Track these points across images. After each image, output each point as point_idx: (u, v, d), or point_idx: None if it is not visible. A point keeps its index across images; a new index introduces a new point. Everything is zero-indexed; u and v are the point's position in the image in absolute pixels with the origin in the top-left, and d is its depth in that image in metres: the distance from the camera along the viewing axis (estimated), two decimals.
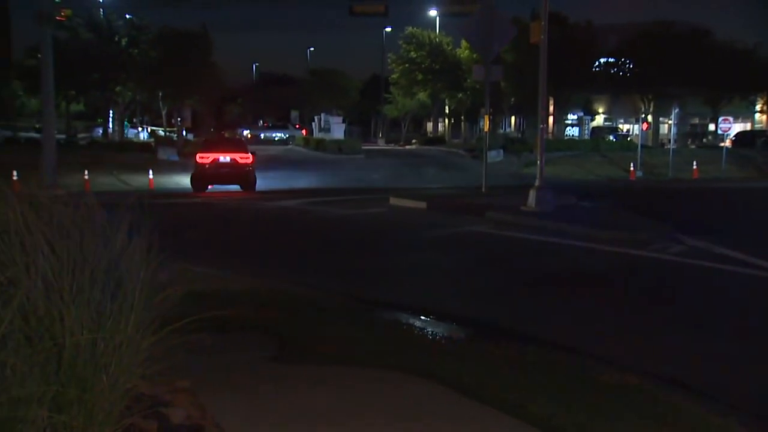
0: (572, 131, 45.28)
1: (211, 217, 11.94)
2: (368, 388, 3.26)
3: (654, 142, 40.95)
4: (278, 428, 2.76)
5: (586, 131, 44.41)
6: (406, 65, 45.27)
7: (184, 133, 47.70)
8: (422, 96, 47.61)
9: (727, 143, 31.13)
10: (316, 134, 45.81)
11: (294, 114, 56.22)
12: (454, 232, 9.62)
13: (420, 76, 44.82)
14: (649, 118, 39.63)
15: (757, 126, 44.81)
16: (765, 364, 4.26)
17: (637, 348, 4.47)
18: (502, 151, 32.07)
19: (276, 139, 46.86)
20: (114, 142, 38.36)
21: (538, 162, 11.83)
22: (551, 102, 38.74)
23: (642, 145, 27.95)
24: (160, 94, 41.47)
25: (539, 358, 3.94)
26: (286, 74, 67.42)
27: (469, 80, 38.86)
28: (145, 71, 38.61)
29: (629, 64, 40.05)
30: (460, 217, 10.88)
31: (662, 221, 10.32)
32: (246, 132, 50.83)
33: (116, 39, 39.40)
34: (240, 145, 19.37)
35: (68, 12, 18.63)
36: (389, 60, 47.37)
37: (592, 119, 46.50)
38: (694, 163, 25.41)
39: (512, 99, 40.71)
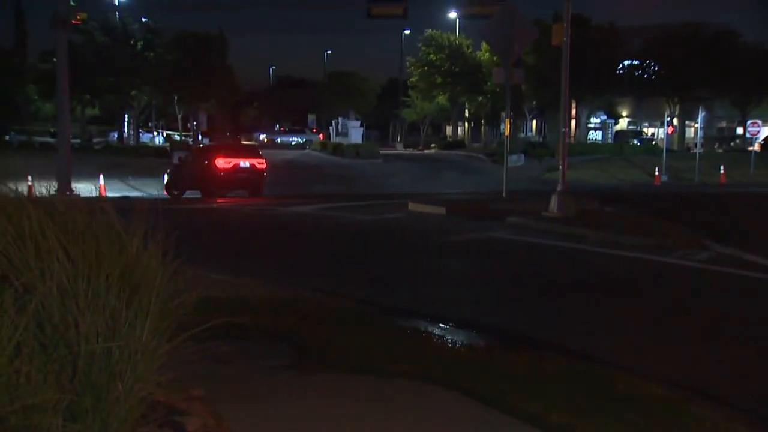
0: (595, 135, 44.68)
1: (228, 223, 11.98)
2: (387, 397, 3.20)
3: (680, 146, 40.21)
4: None
5: (610, 135, 43.78)
6: (425, 68, 45.12)
7: (200, 137, 47.99)
8: (441, 99, 47.36)
9: (756, 147, 30.39)
10: (334, 138, 45.70)
11: (311, 118, 56.00)
12: (473, 238, 9.52)
13: (439, 79, 44.64)
14: (675, 121, 38.92)
15: None
16: None
17: (662, 358, 4.36)
18: (523, 155, 31.82)
19: (292, 143, 46.55)
20: (129, 146, 38.23)
21: (560, 166, 11.67)
22: (573, 105, 38.32)
23: (667, 149, 27.48)
24: (176, 98, 41.59)
25: (560, 367, 3.87)
26: (303, 78, 67.51)
27: (489, 83, 38.61)
28: (160, 75, 38.46)
29: (654, 66, 39.39)
30: (480, 223, 10.77)
31: (688, 227, 10.09)
32: (262, 136, 50.62)
33: (132, 42, 39.16)
34: (254, 151, 19.45)
35: (84, 15, 18.77)
36: (408, 63, 47.31)
37: (616, 123, 45.85)
38: (721, 167, 24.87)
39: (534, 102, 40.35)
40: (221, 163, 17.68)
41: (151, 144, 43.21)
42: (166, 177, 19.66)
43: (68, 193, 10.24)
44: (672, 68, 36.97)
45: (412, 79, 47.07)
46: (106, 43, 38.37)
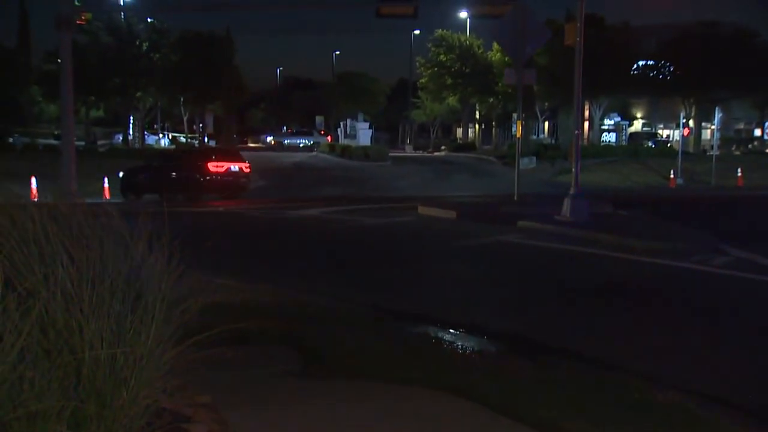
0: (609, 137, 44.20)
1: (234, 226, 11.94)
2: (395, 403, 3.15)
3: (695, 149, 39.64)
4: None
5: (624, 137, 43.29)
6: (435, 69, 44.73)
7: (205, 139, 47.93)
8: (452, 101, 47.01)
9: None
10: (342, 141, 45.30)
11: (319, 120, 55.62)
12: (484, 242, 9.43)
13: (449, 80, 44.29)
14: (691, 123, 38.40)
15: None
16: None
17: (677, 365, 4.27)
18: (534, 158, 31.53)
19: (300, 145, 46.31)
20: (134, 149, 37.34)
21: (573, 169, 11.54)
22: (586, 106, 37.98)
23: (682, 152, 27.08)
24: (182, 99, 41.21)
25: (573, 373, 3.80)
26: (311, 79, 66.86)
27: (500, 84, 38.28)
28: (166, 76, 37.73)
29: (669, 66, 38.88)
30: (491, 227, 10.66)
31: (704, 231, 9.93)
32: (269, 138, 50.26)
33: (137, 43, 38.46)
34: (238, 155, 19.48)
35: (88, 15, 18.62)
36: (418, 63, 46.86)
37: (630, 124, 45.35)
38: (739, 170, 24.46)
39: (546, 104, 40.03)
40: (208, 167, 17.62)
41: (156, 146, 42.52)
42: (121, 174, 18.95)
43: (72, 196, 10.23)
44: (688, 68, 36.43)
45: (422, 80, 46.73)
46: (111, 44, 37.63)
